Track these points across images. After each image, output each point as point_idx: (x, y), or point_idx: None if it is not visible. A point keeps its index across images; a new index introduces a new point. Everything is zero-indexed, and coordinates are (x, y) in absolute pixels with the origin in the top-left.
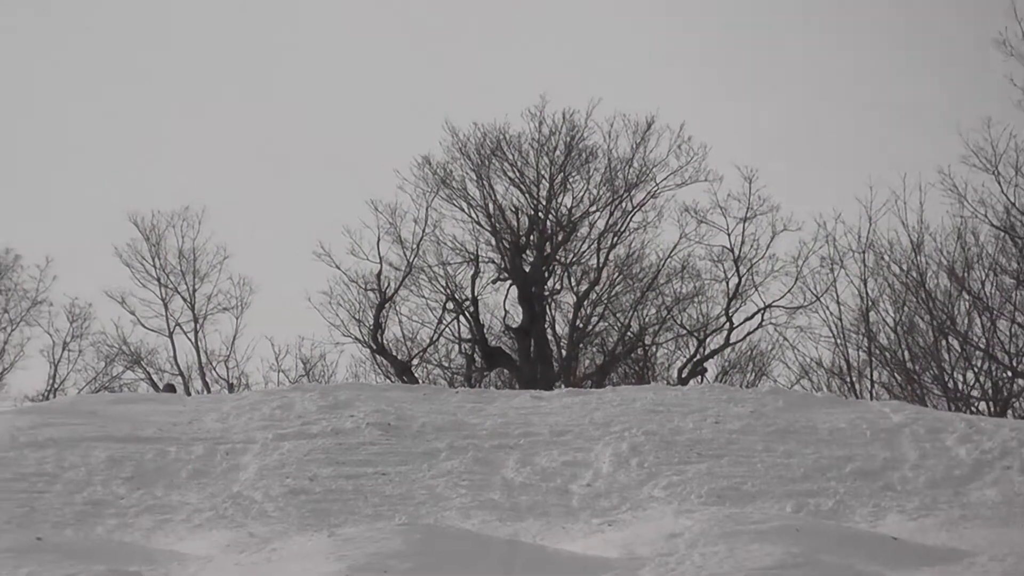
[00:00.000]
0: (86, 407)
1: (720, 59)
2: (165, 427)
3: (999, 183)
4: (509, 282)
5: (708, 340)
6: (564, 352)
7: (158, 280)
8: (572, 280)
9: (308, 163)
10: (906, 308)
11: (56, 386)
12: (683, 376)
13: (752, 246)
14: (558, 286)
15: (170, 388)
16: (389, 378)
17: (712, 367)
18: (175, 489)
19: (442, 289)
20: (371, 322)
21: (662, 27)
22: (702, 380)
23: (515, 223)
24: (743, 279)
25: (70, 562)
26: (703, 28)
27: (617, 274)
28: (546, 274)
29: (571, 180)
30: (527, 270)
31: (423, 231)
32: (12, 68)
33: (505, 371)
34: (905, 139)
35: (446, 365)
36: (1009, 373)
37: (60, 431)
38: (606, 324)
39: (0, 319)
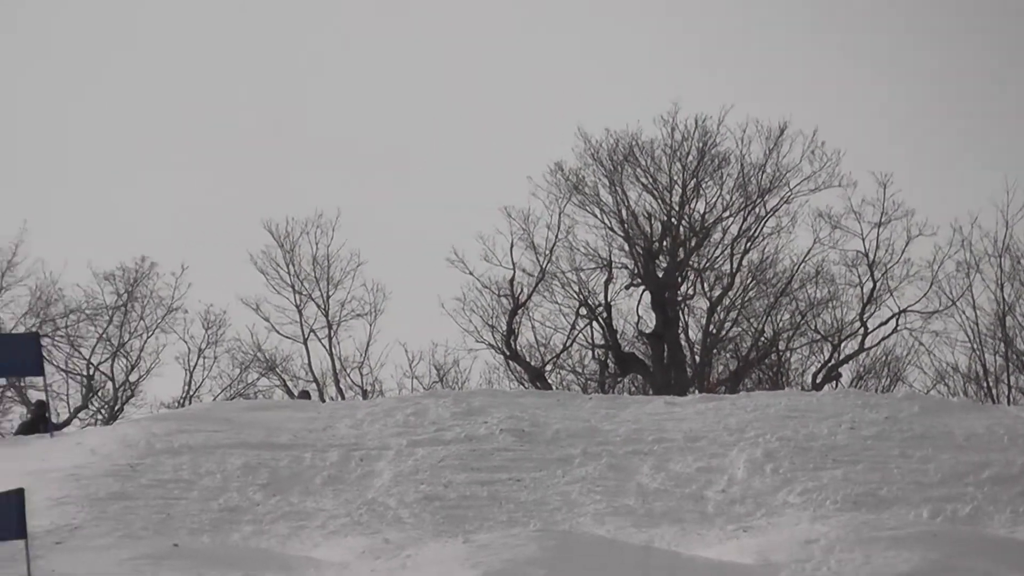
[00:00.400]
0: (221, 414)
1: (850, 59)
2: (300, 433)
3: None
4: (642, 288)
5: (842, 345)
6: (697, 358)
7: (292, 287)
8: (705, 285)
9: (440, 168)
10: None
11: (191, 393)
12: (817, 381)
13: (887, 251)
14: (691, 291)
15: (305, 395)
16: (522, 384)
17: (846, 372)
18: (310, 495)
19: (575, 295)
20: (504, 328)
21: (793, 27)
22: (836, 385)
23: (648, 229)
24: (878, 284)
25: (207, 568)
26: (835, 29)
27: (750, 279)
28: (679, 279)
29: (704, 186)
30: (660, 275)
31: (556, 237)
32: (146, 71)
33: (638, 377)
34: None
35: (579, 371)
36: None
37: (196, 438)
38: (739, 329)
39: (136, 326)
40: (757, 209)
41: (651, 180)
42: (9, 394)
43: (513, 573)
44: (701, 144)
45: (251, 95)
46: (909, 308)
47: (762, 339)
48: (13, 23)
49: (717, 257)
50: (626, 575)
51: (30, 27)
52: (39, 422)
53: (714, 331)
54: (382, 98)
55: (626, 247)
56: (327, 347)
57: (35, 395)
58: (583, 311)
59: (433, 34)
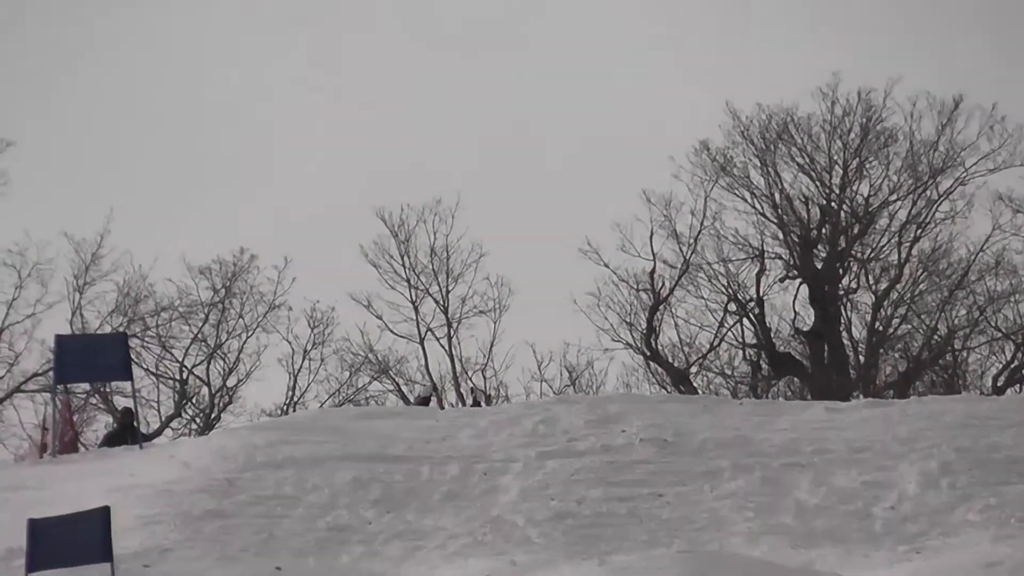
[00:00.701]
0: (329, 422)
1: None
2: (416, 444)
3: None
4: (799, 281)
5: None
6: (862, 358)
7: (408, 281)
8: (870, 278)
9: (572, 150)
10: None
11: (296, 399)
12: (999, 385)
13: None
14: (854, 285)
15: (423, 401)
16: (664, 388)
17: None
18: (428, 513)
19: (723, 289)
20: (644, 326)
21: None
22: (1021, 389)
23: (804, 215)
24: None
25: None
26: None
27: (921, 271)
28: (840, 271)
29: (868, 166)
30: (819, 267)
31: (701, 224)
32: (247, 52)
33: (795, 380)
34: None
35: (728, 373)
36: None
37: (301, 449)
38: (909, 327)
39: (234, 326)
40: (928, 192)
41: (808, 160)
42: (94, 401)
43: None
44: (865, 120)
45: (361, 73)
46: None
47: (935, 337)
48: (107, 7)
49: (883, 246)
50: None
51: (124, 10)
52: (126, 432)
53: (880, 329)
54: (507, 74)
55: (780, 235)
56: (446, 347)
57: (122, 402)
58: (732, 307)
59: (563, 4)
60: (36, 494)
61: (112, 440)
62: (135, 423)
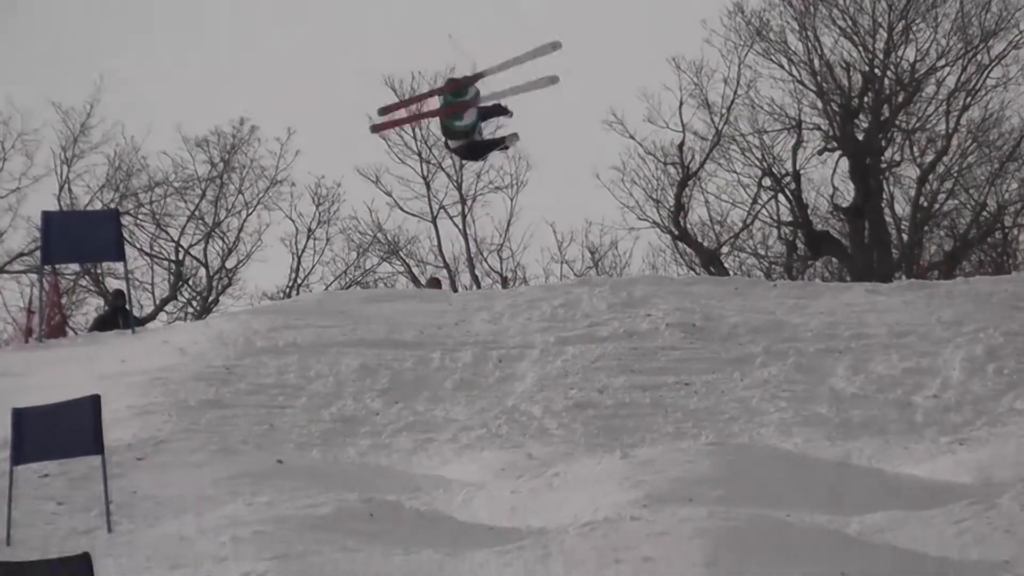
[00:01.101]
0: (335, 306)
1: None
2: (427, 329)
3: None
4: (838, 153)
5: None
6: (905, 237)
7: (419, 154)
8: (915, 150)
9: (594, 12)
10: None
11: (300, 281)
12: None
13: None
14: (898, 157)
15: (434, 283)
16: (693, 269)
17: None
18: (439, 403)
19: (757, 162)
20: (672, 202)
21: None
22: None
23: (846, 82)
24: None
25: (316, 489)
26: None
27: (970, 142)
28: (883, 143)
29: (914, 28)
30: (860, 138)
31: (734, 93)
32: None
33: (833, 260)
34: None
35: (762, 253)
36: None
37: (304, 334)
38: (956, 202)
39: (234, 202)
40: (979, 56)
41: (850, 22)
42: (84, 282)
43: (682, 494)
44: None
45: None
46: None
47: (984, 213)
48: None
49: (930, 115)
50: (818, 497)
51: None
52: (118, 315)
53: (925, 204)
54: None
55: (819, 104)
56: (460, 226)
57: (114, 284)
58: (767, 182)
59: None
60: (21, 381)
61: (103, 324)
62: (127, 306)
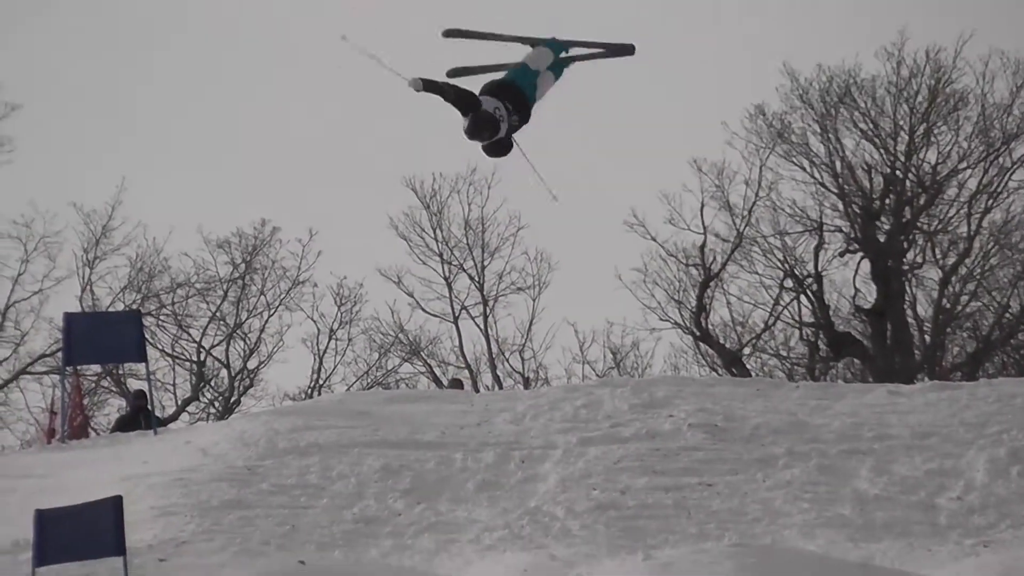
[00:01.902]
0: (357, 407)
1: None
2: (449, 430)
3: None
4: (860, 255)
5: None
6: (927, 338)
7: (440, 256)
8: (937, 252)
9: (616, 116)
10: None
11: (321, 382)
12: None
13: None
14: (920, 259)
15: (457, 383)
16: (715, 371)
17: None
18: (461, 504)
19: (779, 264)
20: (693, 303)
21: None
22: None
23: (867, 184)
24: None
25: None
26: None
27: (992, 244)
28: (905, 245)
29: (936, 131)
30: (882, 240)
31: (756, 195)
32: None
33: (855, 361)
34: None
35: (784, 355)
36: None
37: (326, 435)
38: (979, 304)
39: (255, 303)
40: (1001, 159)
41: (872, 125)
42: (106, 383)
43: None
44: (933, 81)
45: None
46: None
47: (1007, 315)
48: None
49: (951, 217)
50: None
51: None
52: (140, 416)
53: (948, 306)
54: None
55: (840, 206)
56: (482, 327)
57: (135, 384)
58: (789, 283)
59: None
60: (43, 482)
61: (124, 425)
62: (149, 407)
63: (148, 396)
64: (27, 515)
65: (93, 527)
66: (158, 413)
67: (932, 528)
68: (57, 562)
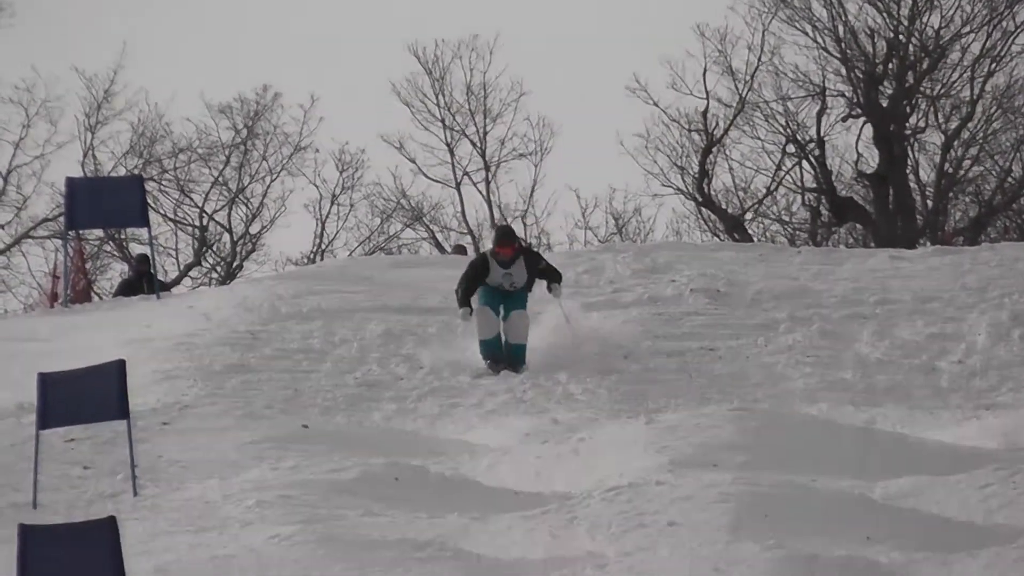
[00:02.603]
0: (359, 272)
1: None
2: (451, 295)
3: None
4: (862, 119)
5: None
6: (930, 203)
7: (443, 121)
8: (939, 116)
9: None
10: None
11: (323, 247)
12: None
13: None
14: (922, 123)
15: (460, 249)
16: (717, 236)
17: None
18: (464, 369)
19: (781, 129)
20: (696, 169)
21: None
22: None
23: (870, 48)
24: None
25: (341, 454)
26: None
27: (995, 108)
28: (908, 109)
29: None
30: (884, 105)
31: (758, 60)
32: None
33: (857, 226)
34: None
35: (786, 220)
36: None
37: (329, 300)
38: (981, 168)
39: (257, 169)
40: (1004, 23)
41: None
42: (108, 248)
43: (706, 460)
44: None
45: None
46: None
47: (1009, 180)
48: None
49: (954, 82)
50: (843, 462)
51: None
52: (142, 280)
53: (950, 171)
54: None
55: (843, 71)
56: (484, 193)
57: (138, 249)
58: (791, 148)
59: None
60: (47, 346)
61: (127, 289)
62: (152, 271)
63: (151, 260)
64: (30, 378)
65: (96, 391)
66: (160, 278)
67: (934, 391)
68: (61, 425)
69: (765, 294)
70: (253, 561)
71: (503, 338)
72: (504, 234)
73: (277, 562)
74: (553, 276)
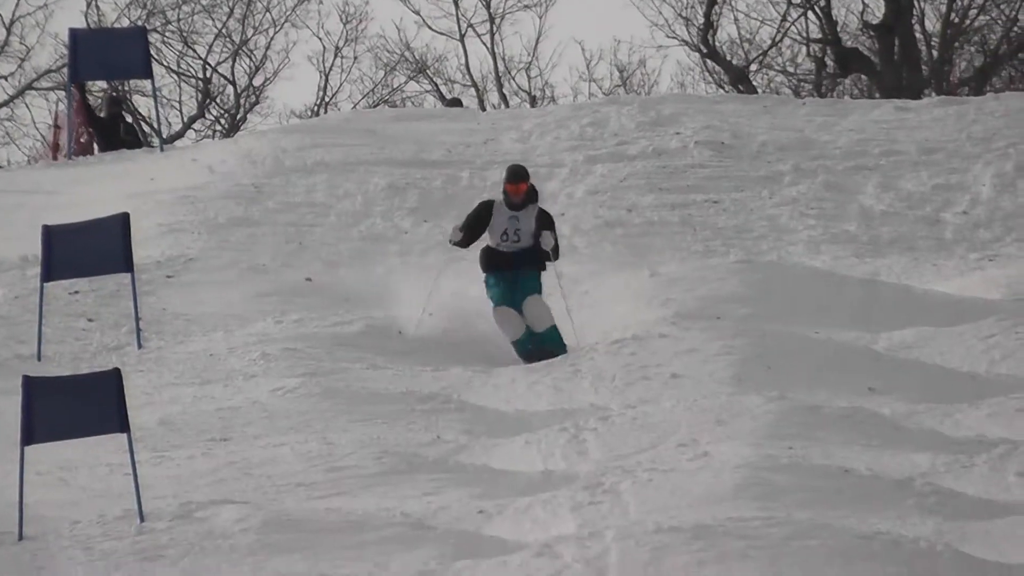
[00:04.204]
0: (363, 125)
1: None
2: (456, 148)
3: None
4: None
5: None
6: (935, 53)
7: None
8: None
9: None
10: None
11: (327, 99)
12: None
13: None
14: None
15: (455, 102)
16: (722, 87)
17: None
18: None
19: None
20: (701, 20)
21: None
22: None
23: None
24: None
25: (345, 307)
26: None
27: None
28: None
29: None
30: None
31: None
32: None
33: (862, 77)
34: None
35: (791, 71)
36: None
37: (332, 153)
38: (987, 18)
39: (261, 20)
40: None
41: None
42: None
43: (710, 312)
44: None
45: None
46: None
47: (1015, 29)
48: None
49: None
50: (846, 314)
51: None
52: (116, 123)
53: (956, 20)
54: None
55: None
56: (488, 45)
57: (142, 101)
58: None
59: None
60: (51, 199)
61: (104, 131)
62: (123, 112)
63: (123, 101)
64: (35, 230)
65: (101, 243)
66: (164, 131)
67: (938, 243)
68: (65, 277)
69: (769, 146)
70: (258, 413)
71: (531, 330)
72: (517, 171)
73: (282, 414)
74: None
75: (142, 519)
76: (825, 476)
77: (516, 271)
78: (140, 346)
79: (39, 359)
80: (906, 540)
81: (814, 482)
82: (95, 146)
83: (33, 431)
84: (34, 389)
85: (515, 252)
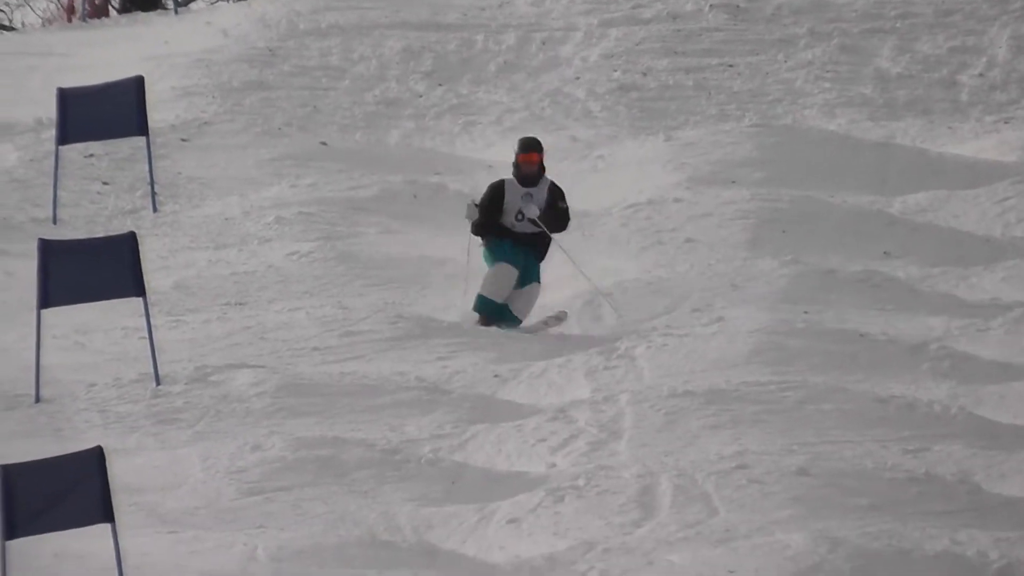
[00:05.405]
0: None
1: None
2: (471, 11)
3: None
4: None
5: None
6: None
7: None
8: None
9: None
10: None
11: None
12: None
13: None
14: None
15: None
16: None
17: None
18: (482, 85)
19: None
20: None
21: None
22: None
23: None
24: None
25: (360, 171)
26: None
27: None
28: None
29: None
30: None
31: None
32: None
33: None
34: None
35: None
36: None
37: (347, 16)
38: None
39: None
40: None
41: None
42: None
43: (725, 176)
44: None
45: None
46: None
47: None
48: None
49: None
50: (861, 177)
51: None
52: None
53: None
54: None
55: None
56: None
57: None
58: None
59: None
60: (65, 61)
61: None
62: None
63: None
64: (49, 94)
65: (115, 106)
66: None
67: (953, 105)
68: (80, 140)
69: (785, 9)
70: (273, 277)
71: (507, 306)
72: (529, 142)
73: (296, 278)
74: (560, 216)
75: (158, 382)
76: (840, 340)
77: (527, 251)
78: (155, 210)
79: (55, 222)
80: (920, 403)
81: (829, 346)
82: (110, 7)
83: (49, 294)
84: (49, 252)
85: (528, 236)
